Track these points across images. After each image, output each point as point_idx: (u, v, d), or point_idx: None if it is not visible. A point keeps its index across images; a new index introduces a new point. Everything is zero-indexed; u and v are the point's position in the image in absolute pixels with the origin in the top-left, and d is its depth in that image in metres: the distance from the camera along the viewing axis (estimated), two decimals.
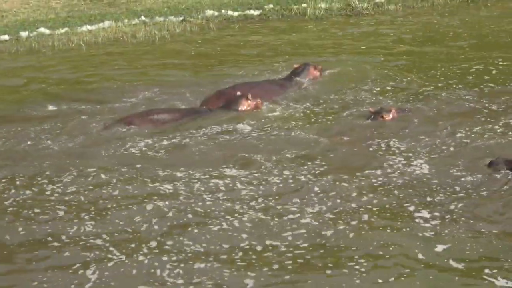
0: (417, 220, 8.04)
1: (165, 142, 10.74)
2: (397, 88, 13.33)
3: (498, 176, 9.04)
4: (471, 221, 7.96)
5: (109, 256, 7.51)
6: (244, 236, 7.77)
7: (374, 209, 8.35)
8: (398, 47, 16.60)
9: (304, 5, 20.50)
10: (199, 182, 9.18)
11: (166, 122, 11.53)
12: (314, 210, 8.31)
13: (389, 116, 11.27)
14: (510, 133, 10.66)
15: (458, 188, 8.79)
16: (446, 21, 18.87)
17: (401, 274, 7.00)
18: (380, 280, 6.96)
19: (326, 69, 14.02)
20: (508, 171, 9.14)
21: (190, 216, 8.25)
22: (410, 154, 9.93)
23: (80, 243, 7.81)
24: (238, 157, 9.99)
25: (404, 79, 13.84)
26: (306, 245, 7.55)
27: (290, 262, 7.26)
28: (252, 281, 7.02)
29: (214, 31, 19.03)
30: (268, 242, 7.61)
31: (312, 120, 11.64)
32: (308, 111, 12.08)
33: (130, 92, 13.52)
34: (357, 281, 6.96)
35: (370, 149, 10.28)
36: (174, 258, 7.37)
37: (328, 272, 7.11)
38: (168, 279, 7.06)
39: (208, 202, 8.61)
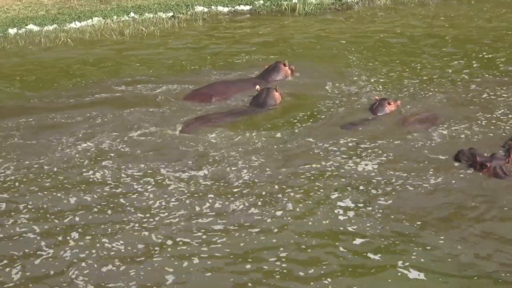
0: (340, 213, 7.89)
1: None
2: (382, 81, 13.16)
3: (443, 176, 8.81)
4: (392, 216, 7.79)
5: (38, 252, 7.45)
6: (160, 234, 7.65)
7: (300, 199, 8.25)
8: (384, 40, 16.35)
9: (295, 0, 20.26)
10: (131, 177, 9.09)
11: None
12: (237, 206, 8.16)
13: (394, 105, 11.31)
14: (479, 130, 10.49)
15: (397, 186, 8.60)
16: (433, 16, 18.58)
17: (320, 267, 6.85)
18: (301, 273, 6.81)
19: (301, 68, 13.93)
20: (469, 164, 8.95)
21: (111, 211, 8.18)
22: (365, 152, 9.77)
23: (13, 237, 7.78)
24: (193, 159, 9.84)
25: (391, 73, 13.66)
26: (224, 240, 7.40)
27: (206, 256, 7.12)
28: (171, 277, 6.88)
29: (202, 27, 18.81)
30: (179, 239, 7.50)
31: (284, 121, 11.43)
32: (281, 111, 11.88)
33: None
34: (277, 277, 6.79)
35: (323, 146, 10.06)
36: (94, 255, 7.28)
37: (248, 267, 6.94)
38: (83, 277, 6.97)
39: (133, 198, 8.53)
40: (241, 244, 7.29)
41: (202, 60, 15.35)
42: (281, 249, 7.19)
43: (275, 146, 10.03)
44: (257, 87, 12.19)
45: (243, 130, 10.79)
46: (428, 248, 7.08)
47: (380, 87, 12.73)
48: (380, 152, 9.67)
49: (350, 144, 10.02)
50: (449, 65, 14.01)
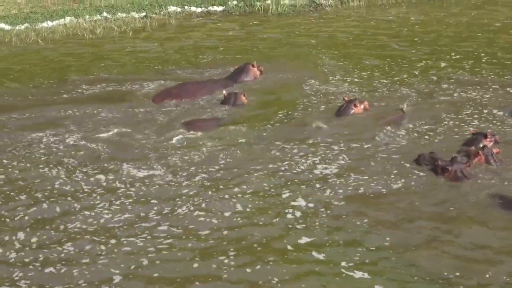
0: (290, 211, 7.83)
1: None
2: (353, 82, 13.11)
3: (403, 180, 8.69)
4: (343, 216, 7.72)
5: None
6: (103, 235, 7.57)
7: (250, 200, 8.19)
8: (356, 41, 16.35)
9: (268, 1, 20.24)
10: (84, 176, 9.05)
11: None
12: (186, 208, 8.06)
13: (361, 106, 11.14)
14: (443, 131, 10.42)
15: (354, 188, 8.50)
16: (404, 17, 18.63)
17: (266, 265, 6.81)
18: (248, 270, 6.76)
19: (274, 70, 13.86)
20: (430, 168, 8.91)
21: (59, 209, 8.12)
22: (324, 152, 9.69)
23: None
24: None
25: (363, 73, 13.63)
26: (170, 241, 7.32)
27: (153, 256, 7.04)
28: (118, 278, 6.78)
29: (174, 27, 18.76)
30: (124, 240, 7.43)
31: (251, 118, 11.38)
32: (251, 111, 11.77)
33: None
34: (225, 276, 6.72)
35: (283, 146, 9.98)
36: (40, 257, 7.17)
37: (195, 265, 6.87)
38: (26, 281, 6.85)
39: (81, 197, 8.45)
40: (189, 245, 7.21)
41: (168, 59, 15.34)
42: (230, 247, 7.13)
43: (235, 148, 9.93)
44: (224, 92, 12.07)
45: (209, 132, 10.65)
46: (373, 249, 7.02)
47: (356, 88, 12.67)
48: (342, 154, 9.57)
49: (308, 143, 9.96)
50: (418, 66, 14.02)
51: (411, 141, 9.99)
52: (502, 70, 13.38)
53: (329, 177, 8.80)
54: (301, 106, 11.78)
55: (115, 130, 10.80)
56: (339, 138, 10.17)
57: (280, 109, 11.60)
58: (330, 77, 13.36)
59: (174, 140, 10.32)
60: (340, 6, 20.44)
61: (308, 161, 9.29)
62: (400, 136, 10.19)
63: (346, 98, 11.45)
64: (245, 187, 8.50)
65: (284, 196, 8.24)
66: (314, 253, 6.92)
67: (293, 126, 10.85)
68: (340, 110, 11.22)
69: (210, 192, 8.41)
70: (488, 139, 9.46)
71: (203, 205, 8.09)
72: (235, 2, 20.64)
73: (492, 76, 13.02)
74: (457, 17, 18.41)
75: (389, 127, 10.49)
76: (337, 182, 8.61)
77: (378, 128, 10.49)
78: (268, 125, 10.88)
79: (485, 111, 11.13)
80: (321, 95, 12.26)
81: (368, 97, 11.84)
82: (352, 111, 11.12)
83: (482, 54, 14.64)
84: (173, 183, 8.76)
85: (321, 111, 11.47)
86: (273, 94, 12.58)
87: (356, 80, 13.19)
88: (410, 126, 10.56)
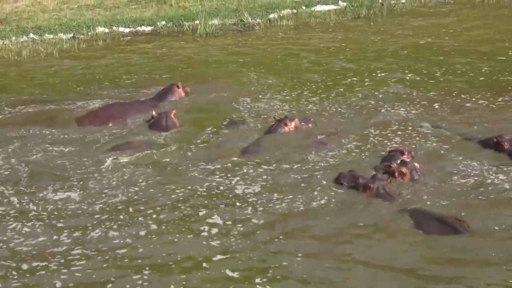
0: (206, 229, 7.81)
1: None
2: (282, 100, 13.14)
3: (325, 198, 8.69)
4: (258, 232, 7.72)
5: None
6: (14, 259, 7.38)
7: (165, 219, 8.13)
8: (283, 60, 16.47)
9: (197, 21, 20.29)
10: None
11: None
12: (99, 231, 7.93)
13: (291, 125, 11.05)
14: (368, 148, 10.50)
15: (273, 206, 8.48)
16: (331, 36, 18.85)
17: (180, 280, 6.79)
18: None
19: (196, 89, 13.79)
20: (351, 186, 8.95)
21: None
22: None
23: None
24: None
25: (294, 92, 13.65)
26: (83, 263, 7.18)
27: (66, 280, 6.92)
28: None
29: (100, 47, 18.62)
30: (36, 264, 7.25)
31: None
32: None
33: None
34: None
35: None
36: None
37: (109, 286, 6.76)
38: None
39: None
40: (103, 265, 7.10)
41: (94, 79, 15.19)
42: (145, 266, 7.07)
43: (157, 169, 9.81)
44: (153, 113, 11.93)
45: (134, 155, 10.46)
46: (288, 265, 7.00)
47: (286, 105, 12.69)
48: (267, 173, 9.53)
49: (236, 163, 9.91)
50: (344, 83, 14.15)
51: (339, 159, 9.99)
52: (427, 87, 13.57)
53: (250, 196, 8.77)
54: (229, 126, 11.69)
55: (37, 152, 10.61)
56: (266, 157, 10.11)
57: (208, 129, 11.54)
58: (260, 96, 13.36)
59: (96, 163, 10.13)
60: (269, 25, 20.59)
61: (231, 181, 9.25)
62: (329, 154, 10.17)
63: (276, 117, 11.42)
64: (161, 207, 8.42)
65: (200, 214, 8.19)
66: (228, 271, 6.90)
67: (220, 146, 10.76)
68: (271, 129, 11.18)
69: (124, 215, 8.31)
70: (405, 156, 9.58)
71: (115, 227, 7.97)
72: (163, 22, 20.64)
73: (416, 92, 13.20)
74: (382, 35, 18.71)
75: (318, 145, 10.49)
76: (258, 201, 8.58)
77: (308, 146, 10.47)
78: (194, 145, 10.78)
79: (410, 127, 11.25)
80: (252, 114, 12.23)
81: (298, 115, 11.79)
82: (283, 130, 11.08)
83: (407, 71, 14.87)
84: (87, 206, 8.62)
85: (251, 130, 11.40)
86: (203, 114, 12.49)
87: (286, 97, 13.25)
88: (338, 143, 10.57)
